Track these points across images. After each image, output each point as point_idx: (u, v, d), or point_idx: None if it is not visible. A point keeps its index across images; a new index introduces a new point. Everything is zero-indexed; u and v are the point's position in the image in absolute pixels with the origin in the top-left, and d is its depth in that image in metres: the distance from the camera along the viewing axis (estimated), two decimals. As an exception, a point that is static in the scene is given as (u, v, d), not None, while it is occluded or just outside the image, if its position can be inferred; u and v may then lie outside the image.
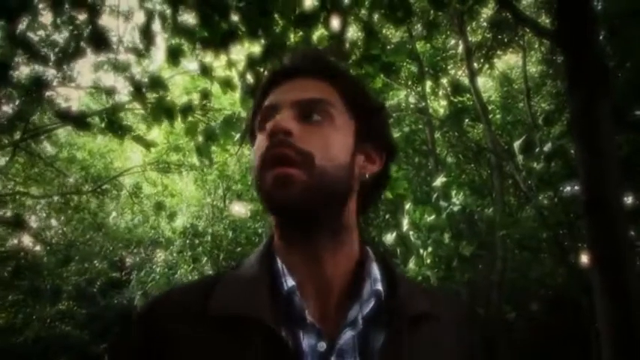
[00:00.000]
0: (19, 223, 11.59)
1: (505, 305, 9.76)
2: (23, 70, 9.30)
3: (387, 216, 10.46)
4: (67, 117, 4.41)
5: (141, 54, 4.61)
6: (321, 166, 0.80)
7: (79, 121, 4.24)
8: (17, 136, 9.70)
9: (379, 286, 0.81)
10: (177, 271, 13.10)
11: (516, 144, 7.73)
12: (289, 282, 0.78)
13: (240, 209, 11.52)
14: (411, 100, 10.93)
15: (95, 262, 16.85)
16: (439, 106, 12.06)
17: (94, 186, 11.56)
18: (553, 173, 7.73)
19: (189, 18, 4.14)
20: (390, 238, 8.35)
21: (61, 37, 8.79)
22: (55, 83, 10.21)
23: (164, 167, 11.42)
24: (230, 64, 3.89)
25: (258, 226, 11.19)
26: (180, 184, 12.61)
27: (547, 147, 7.11)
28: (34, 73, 8.33)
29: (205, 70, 4.02)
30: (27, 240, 12.83)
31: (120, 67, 5.04)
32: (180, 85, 11.37)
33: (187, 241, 12.16)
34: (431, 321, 0.82)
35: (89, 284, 18.53)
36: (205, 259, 11.81)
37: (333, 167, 0.81)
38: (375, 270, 0.84)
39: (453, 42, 11.54)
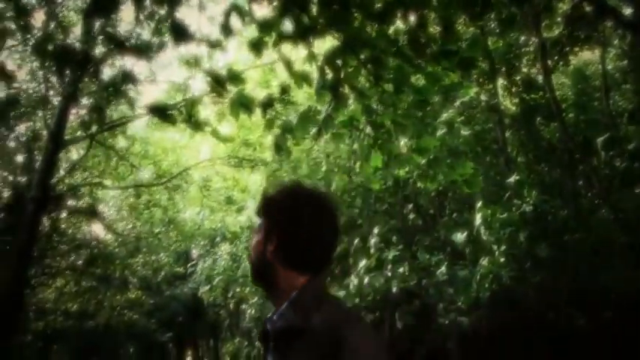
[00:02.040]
0: (92, 213, 12.01)
1: (575, 311, 9.44)
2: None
3: (454, 215, 10.28)
4: (155, 110, 4.51)
5: (217, 46, 4.64)
6: (251, 258, 1.55)
7: (165, 114, 4.33)
8: (94, 129, 10.04)
9: (274, 317, 1.44)
10: (241, 265, 13.27)
11: (599, 140, 7.45)
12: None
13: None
14: (482, 97, 10.68)
15: (162, 254, 17.32)
16: (511, 104, 11.74)
17: (165, 180, 11.83)
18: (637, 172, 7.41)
19: (267, 12, 4.15)
20: (459, 237, 8.21)
21: (141, 32, 9.06)
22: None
23: (235, 162, 11.57)
24: (311, 56, 3.88)
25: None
26: (249, 179, 12.73)
27: (631, 146, 6.84)
28: (120, 69, 8.63)
29: (286, 65, 4.02)
30: (99, 231, 13.37)
31: (194, 62, 5.12)
32: (250, 79, 11.48)
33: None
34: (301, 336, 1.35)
35: (155, 275, 19.06)
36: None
37: (254, 257, 1.53)
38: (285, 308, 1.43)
39: (523, 38, 11.22)
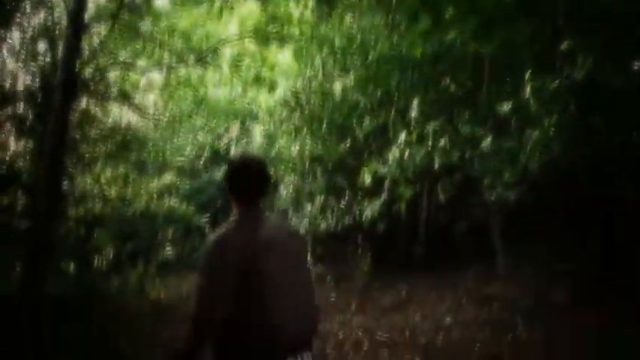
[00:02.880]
0: (124, 97, 11.76)
1: (628, 183, 9.05)
2: None
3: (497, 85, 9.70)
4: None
5: None
6: None
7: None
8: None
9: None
10: (276, 143, 13.06)
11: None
12: None
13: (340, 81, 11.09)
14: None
15: (198, 136, 17.17)
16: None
17: (196, 57, 11.34)
18: None
19: None
20: (505, 107, 7.71)
21: None
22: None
23: (263, 38, 10.98)
24: None
25: (361, 99, 10.75)
26: (279, 56, 12.16)
27: None
28: None
29: None
30: (132, 117, 13.06)
31: None
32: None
33: (287, 113, 11.95)
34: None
35: (193, 159, 19.06)
36: (306, 129, 11.61)
37: None
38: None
39: None
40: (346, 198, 11.90)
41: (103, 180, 12.14)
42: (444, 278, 10.77)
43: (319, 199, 12.45)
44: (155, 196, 14.71)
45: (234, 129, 17.84)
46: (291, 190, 13.36)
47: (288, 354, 2.67)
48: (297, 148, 12.21)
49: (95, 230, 14.02)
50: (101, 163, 11.57)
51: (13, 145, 10.61)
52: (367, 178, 8.25)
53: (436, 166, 8.13)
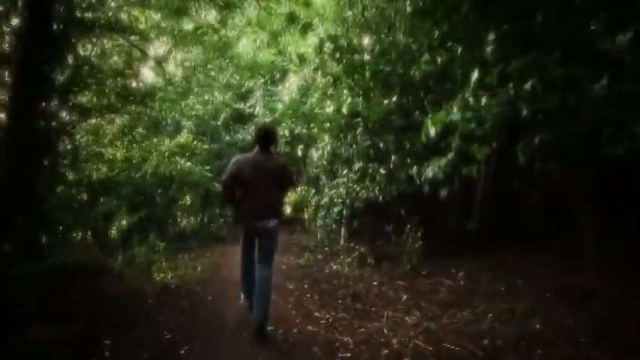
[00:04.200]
0: (140, 51, 10.01)
1: None
2: None
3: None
4: None
5: None
6: None
7: None
8: None
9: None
10: (309, 99, 10.99)
11: None
12: None
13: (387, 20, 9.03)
14: None
15: (216, 93, 15.20)
16: None
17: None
18: None
19: None
20: (621, 38, 5.55)
21: None
22: None
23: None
24: None
25: (410, 41, 8.68)
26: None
27: None
28: None
29: None
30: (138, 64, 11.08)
31: None
32: None
33: (322, 62, 9.88)
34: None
35: (212, 118, 17.17)
36: (344, 81, 9.54)
37: None
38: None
39: None
40: (391, 163, 9.87)
41: (104, 138, 10.24)
42: (510, 262, 8.72)
43: (358, 165, 10.44)
44: (168, 158, 12.87)
45: (259, 86, 15.90)
46: (325, 154, 11.33)
47: (261, 218, 5.95)
48: (334, 103, 10.18)
49: (100, 195, 12.33)
50: (102, 117, 9.58)
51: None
52: (431, 131, 6.20)
53: (524, 113, 5.99)
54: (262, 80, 15.96)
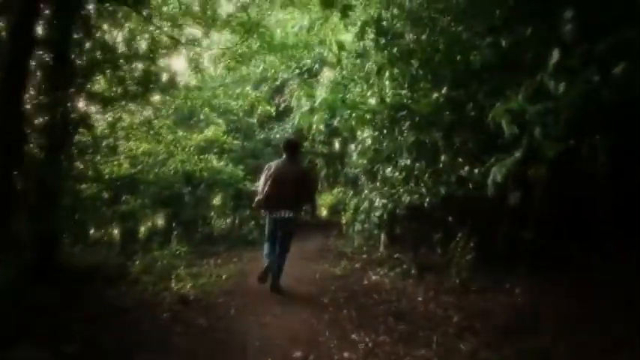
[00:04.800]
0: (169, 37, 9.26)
1: None
2: None
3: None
4: None
5: None
6: None
7: None
8: None
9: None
10: (349, 92, 9.95)
11: None
12: None
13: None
14: None
15: (248, 88, 14.28)
16: None
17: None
18: None
19: None
20: None
21: None
22: None
23: None
24: None
25: (461, 29, 7.65)
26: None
27: None
28: None
29: None
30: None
31: None
32: None
33: (365, 49, 8.86)
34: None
35: (246, 115, 16.30)
36: (389, 71, 8.49)
37: None
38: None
39: None
40: (441, 162, 8.78)
41: (121, 130, 9.34)
42: (577, 278, 7.50)
43: (403, 163, 9.36)
44: (196, 155, 12.01)
45: (294, 77, 14.99)
46: (366, 151, 10.29)
47: (278, 209, 7.60)
48: (377, 94, 9.14)
49: (123, 193, 11.55)
50: (118, 106, 8.63)
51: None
52: (507, 126, 5.15)
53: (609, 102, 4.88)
54: (298, 71, 15.04)
